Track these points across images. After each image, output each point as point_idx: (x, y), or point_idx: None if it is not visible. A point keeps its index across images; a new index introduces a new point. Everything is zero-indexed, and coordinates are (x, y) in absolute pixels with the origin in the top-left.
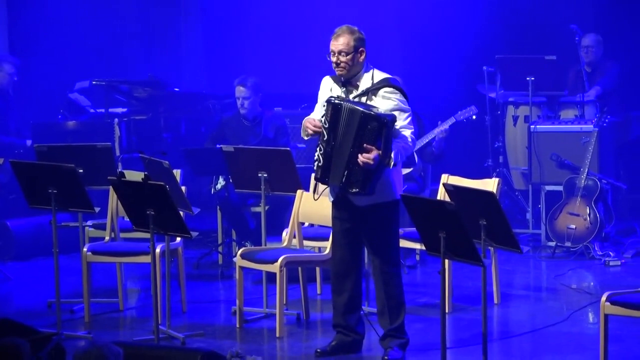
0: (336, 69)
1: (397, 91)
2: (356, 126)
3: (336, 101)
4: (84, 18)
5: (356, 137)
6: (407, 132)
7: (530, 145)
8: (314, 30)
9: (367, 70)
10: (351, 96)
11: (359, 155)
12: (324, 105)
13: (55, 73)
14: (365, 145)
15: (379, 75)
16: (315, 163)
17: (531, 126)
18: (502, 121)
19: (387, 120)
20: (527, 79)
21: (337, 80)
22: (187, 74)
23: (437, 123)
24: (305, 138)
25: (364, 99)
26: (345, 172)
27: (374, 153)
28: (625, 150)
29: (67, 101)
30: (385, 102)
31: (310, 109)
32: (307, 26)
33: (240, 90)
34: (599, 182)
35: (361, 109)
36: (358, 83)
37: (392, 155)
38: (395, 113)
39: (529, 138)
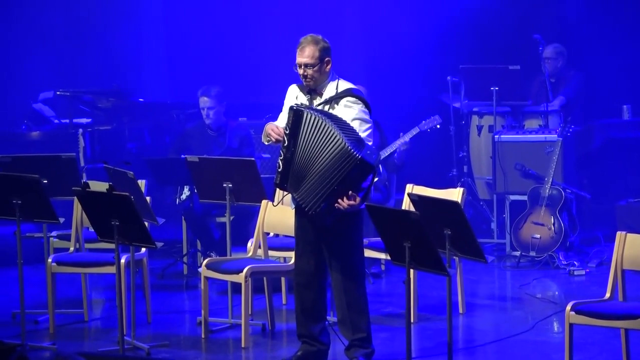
0: (304, 80)
1: (359, 102)
2: (349, 169)
3: (298, 108)
4: (47, 28)
5: (346, 179)
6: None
7: (495, 155)
8: (279, 39)
9: (332, 80)
10: (315, 103)
11: (343, 201)
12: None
13: (19, 83)
14: (350, 192)
15: (344, 84)
16: (277, 169)
17: (495, 136)
18: (467, 131)
19: (377, 168)
20: (491, 88)
21: (302, 88)
22: (151, 84)
23: (399, 133)
24: (266, 143)
25: (326, 108)
26: (322, 205)
27: (357, 202)
28: (588, 160)
29: (31, 111)
30: (347, 111)
31: (274, 119)
32: (272, 35)
33: (204, 101)
34: (563, 192)
35: (359, 156)
36: (323, 91)
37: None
38: (356, 123)
39: (493, 148)
